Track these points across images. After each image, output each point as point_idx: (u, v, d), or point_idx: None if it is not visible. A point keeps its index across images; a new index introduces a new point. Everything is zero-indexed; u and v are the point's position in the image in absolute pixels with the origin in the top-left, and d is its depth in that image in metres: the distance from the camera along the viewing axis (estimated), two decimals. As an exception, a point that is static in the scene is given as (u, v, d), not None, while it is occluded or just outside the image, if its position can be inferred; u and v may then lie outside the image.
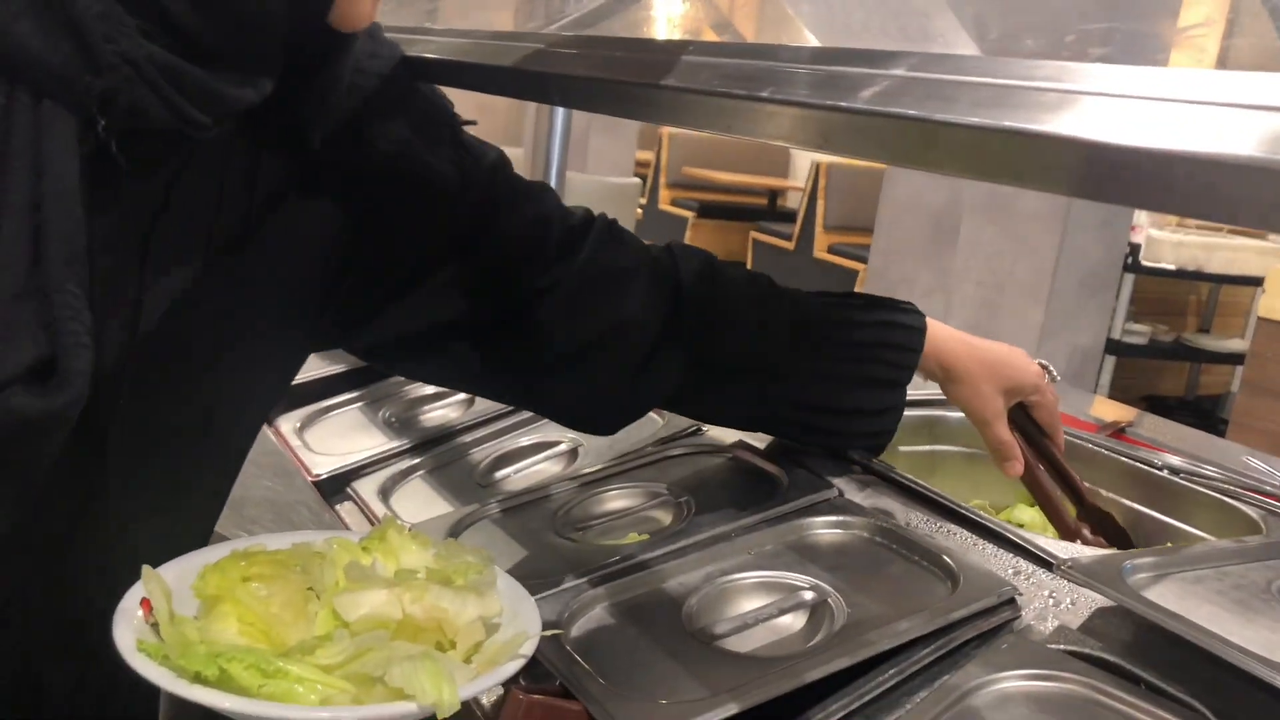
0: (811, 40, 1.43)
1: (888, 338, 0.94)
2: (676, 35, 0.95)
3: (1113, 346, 4.25)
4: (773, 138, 0.48)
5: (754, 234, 7.75)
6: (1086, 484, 1.07)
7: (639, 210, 5.61)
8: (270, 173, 0.71)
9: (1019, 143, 0.36)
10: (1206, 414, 4.79)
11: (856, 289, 6.77)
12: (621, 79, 0.56)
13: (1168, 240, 4.23)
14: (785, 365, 0.92)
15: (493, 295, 0.81)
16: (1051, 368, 1.11)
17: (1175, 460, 1.20)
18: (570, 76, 0.60)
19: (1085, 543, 0.99)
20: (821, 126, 0.45)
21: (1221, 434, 3.65)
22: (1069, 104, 0.36)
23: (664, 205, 8.83)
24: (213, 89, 0.61)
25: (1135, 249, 4.16)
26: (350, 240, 0.76)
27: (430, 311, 0.80)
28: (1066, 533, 1.01)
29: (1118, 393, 4.46)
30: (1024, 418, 1.03)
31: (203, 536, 0.81)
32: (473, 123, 0.79)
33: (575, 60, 0.61)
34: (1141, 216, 4.27)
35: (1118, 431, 1.43)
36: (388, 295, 0.79)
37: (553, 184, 2.05)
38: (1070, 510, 1.05)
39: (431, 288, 0.80)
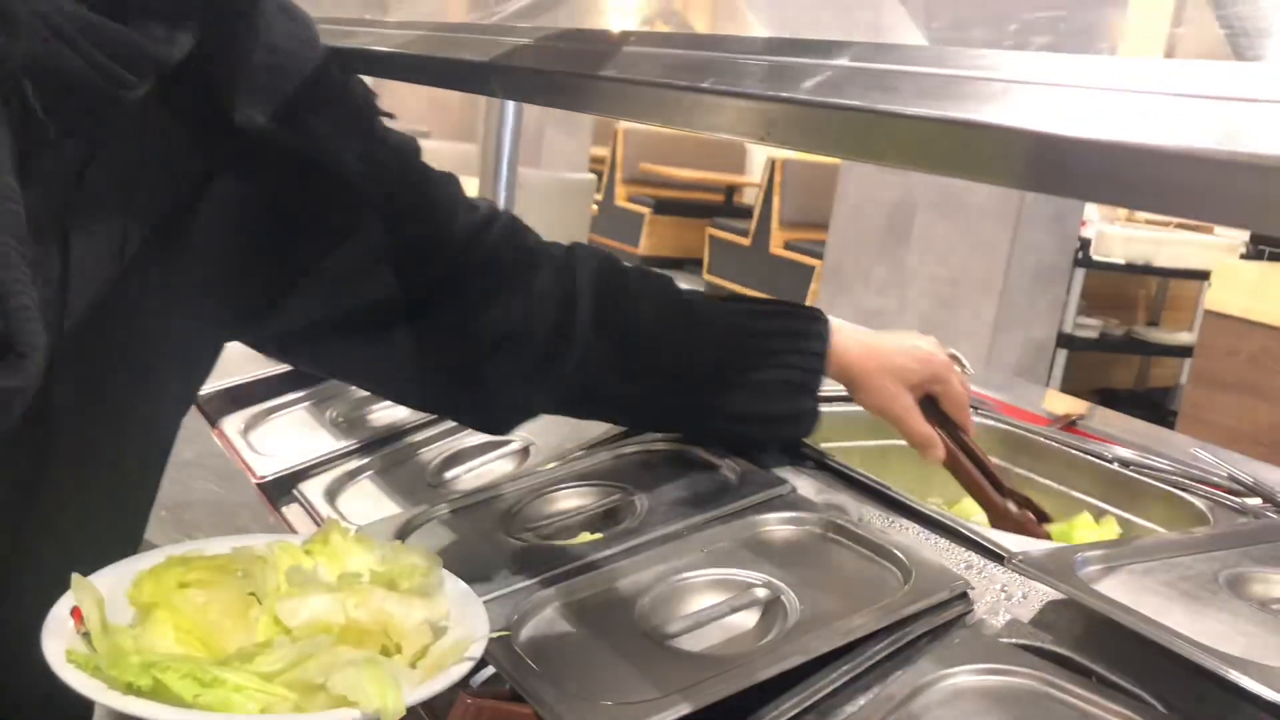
0: (760, 32, 1.42)
1: (791, 344, 0.95)
2: (624, 26, 0.95)
3: (1065, 340, 4.30)
4: (716, 129, 0.47)
5: (710, 230, 7.76)
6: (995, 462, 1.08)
7: (594, 207, 5.59)
8: (187, 154, 0.69)
9: (962, 133, 0.36)
10: (1157, 405, 4.86)
11: (812, 284, 6.81)
12: (561, 70, 0.55)
13: (1117, 235, 4.29)
14: (687, 369, 0.92)
15: (397, 284, 0.80)
16: (961, 357, 1.12)
17: (1126, 453, 1.21)
18: (510, 68, 0.59)
19: (1014, 519, 1.00)
20: (764, 118, 0.44)
21: (1171, 425, 3.70)
22: (1012, 94, 0.35)
23: (620, 201, 8.82)
24: (135, 45, 0.60)
25: (1086, 244, 4.21)
26: (261, 226, 0.75)
27: (332, 300, 0.80)
28: (995, 511, 1.02)
29: (1070, 385, 4.52)
30: (933, 408, 1.03)
31: (133, 538, 0.79)
32: (390, 115, 0.78)
33: (515, 51, 0.59)
34: (1091, 212, 4.33)
35: (1069, 424, 1.44)
36: (292, 284, 0.78)
37: (503, 181, 2.02)
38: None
39: (335, 276, 0.79)
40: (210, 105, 0.68)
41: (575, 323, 0.86)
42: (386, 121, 0.79)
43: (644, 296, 0.91)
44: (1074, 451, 1.12)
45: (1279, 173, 0.28)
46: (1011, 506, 1.02)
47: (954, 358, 1.08)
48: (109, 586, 0.65)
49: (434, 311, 0.82)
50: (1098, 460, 1.10)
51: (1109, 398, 4.89)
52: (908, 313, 3.93)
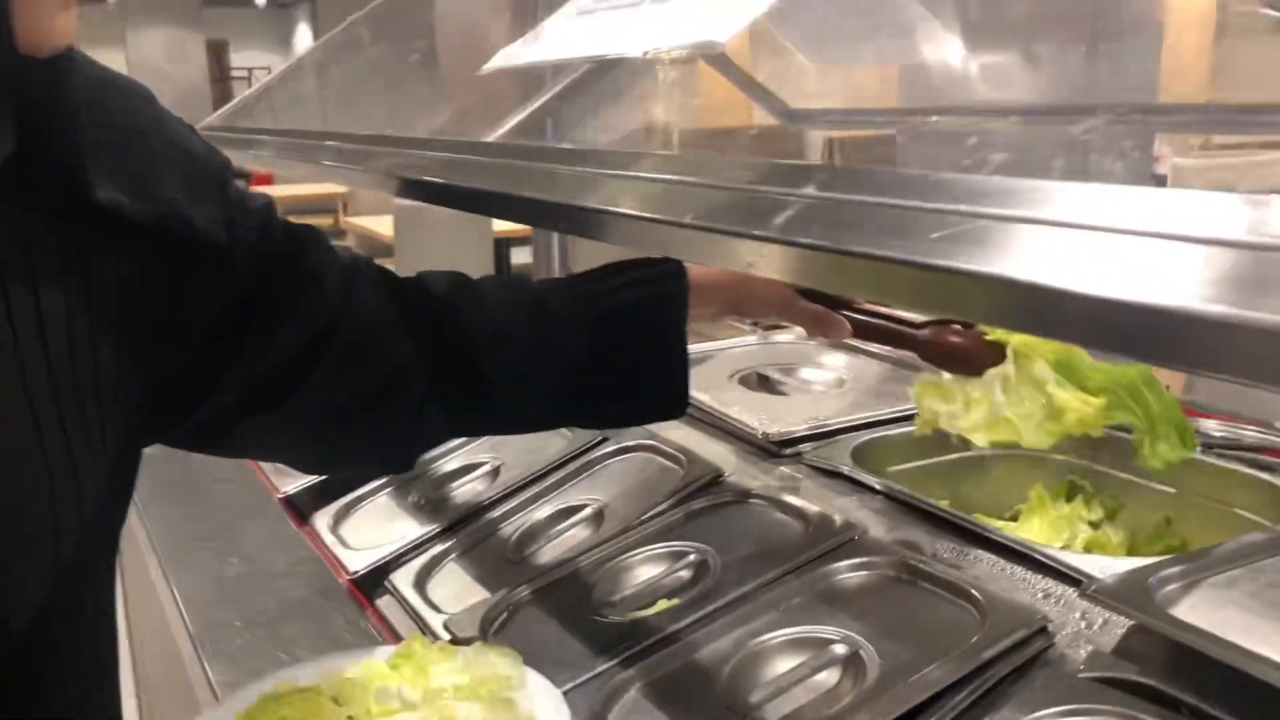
0: (803, 62, 1.42)
1: (647, 295, 0.89)
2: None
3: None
4: (699, 260, 0.48)
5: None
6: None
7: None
8: (47, 247, 0.66)
9: (933, 279, 0.36)
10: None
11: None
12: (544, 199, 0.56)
13: (1194, 166, 4.13)
14: (555, 353, 0.88)
15: (282, 349, 0.78)
16: None
17: (1212, 428, 1.18)
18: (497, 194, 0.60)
19: (942, 344, 1.00)
20: (744, 254, 0.45)
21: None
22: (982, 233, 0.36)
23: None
24: None
25: (1162, 180, 4.08)
26: (144, 311, 0.71)
27: (231, 374, 0.77)
28: (923, 346, 1.00)
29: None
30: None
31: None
32: (247, 175, 0.77)
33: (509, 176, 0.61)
34: (1164, 146, 4.18)
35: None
36: (192, 367, 0.75)
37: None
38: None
39: (227, 352, 0.76)
40: (62, 186, 0.65)
41: (443, 348, 0.84)
42: (240, 184, 0.78)
43: (500, 301, 0.88)
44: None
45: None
46: (928, 333, 0.99)
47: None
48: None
49: (316, 371, 0.80)
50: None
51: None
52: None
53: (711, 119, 1.81)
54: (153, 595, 1.16)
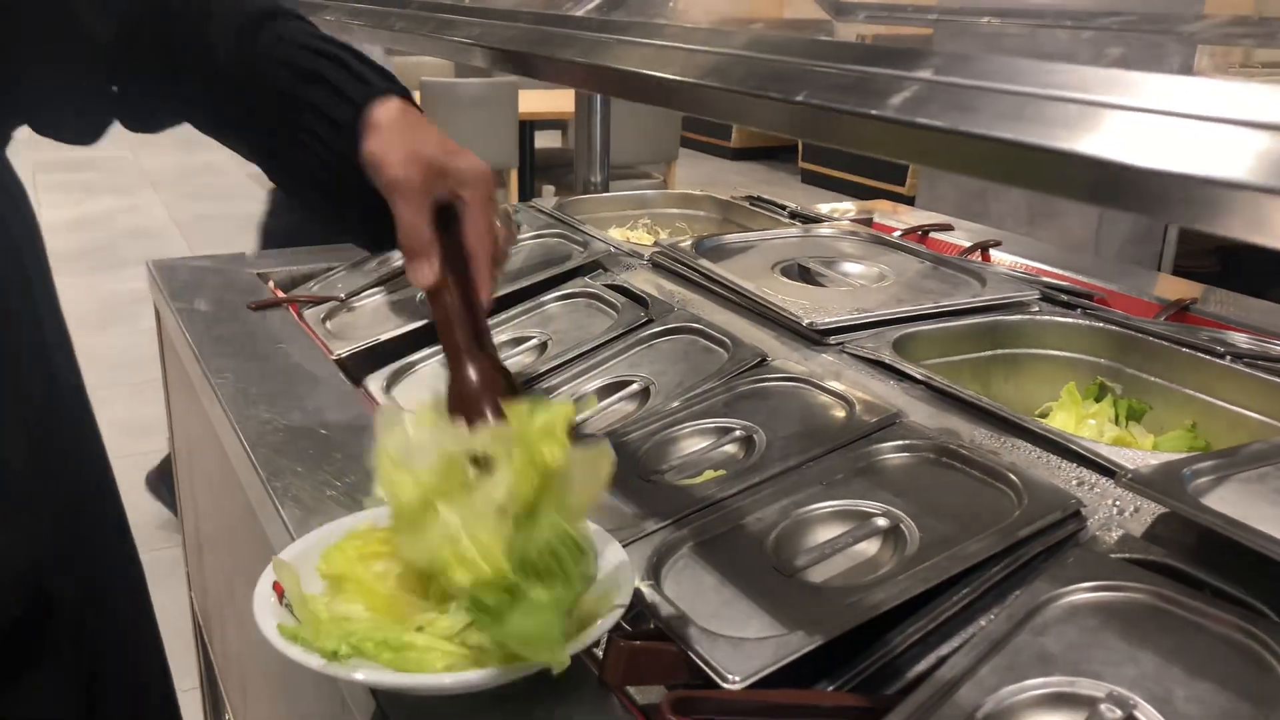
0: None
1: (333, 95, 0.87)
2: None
3: (1182, 200, 4.13)
4: (804, 137, 0.51)
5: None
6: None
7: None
8: None
9: (1039, 158, 0.39)
10: (1282, 258, 4.67)
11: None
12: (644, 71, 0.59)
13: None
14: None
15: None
16: (515, 214, 1.00)
17: (1241, 340, 1.22)
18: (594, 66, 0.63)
19: (471, 393, 0.86)
20: (851, 130, 0.48)
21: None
22: (1089, 119, 0.38)
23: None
24: None
25: (1200, 97, 4.02)
26: None
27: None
28: (455, 376, 0.88)
29: (1187, 246, 4.38)
30: (450, 227, 0.87)
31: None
32: None
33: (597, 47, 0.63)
34: (1203, 59, 4.11)
35: (1181, 311, 1.44)
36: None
37: (598, 95, 2.03)
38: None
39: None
40: None
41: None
42: None
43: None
44: (1184, 350, 1.13)
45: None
46: (473, 374, 0.86)
47: (508, 213, 0.95)
48: (297, 559, 0.74)
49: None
50: (1210, 358, 1.10)
51: (1229, 256, 4.72)
52: (1014, 189, 3.83)
53: (755, 10, 1.81)
54: (214, 445, 1.21)
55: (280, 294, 1.53)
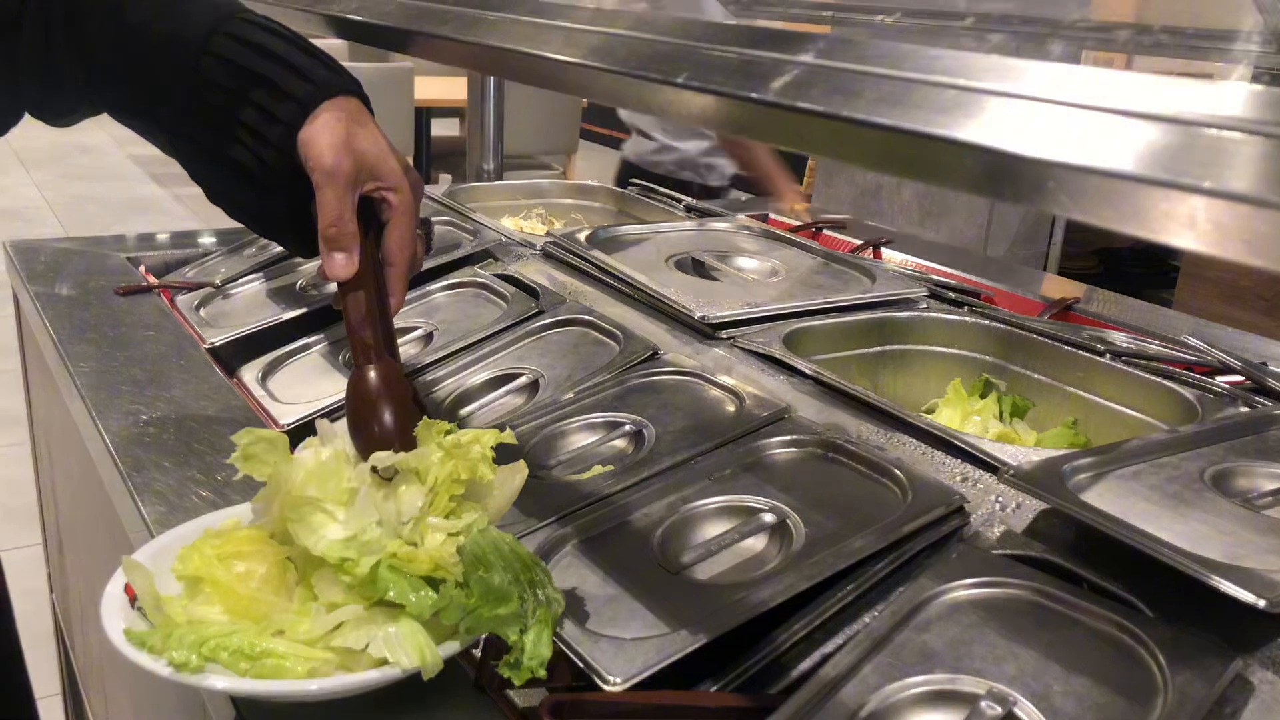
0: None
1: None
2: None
3: (1065, 203, 4.27)
4: (688, 122, 0.49)
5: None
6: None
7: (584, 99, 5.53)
8: None
9: (921, 144, 0.38)
10: (1159, 262, 4.87)
11: (809, 161, 6.72)
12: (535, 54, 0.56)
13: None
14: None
15: None
16: (432, 224, 1.00)
17: (1120, 339, 1.25)
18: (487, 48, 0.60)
19: (367, 383, 0.83)
20: (731, 115, 0.46)
21: (1173, 283, 3.71)
22: (970, 105, 0.37)
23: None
24: None
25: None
26: None
27: None
28: (363, 359, 0.84)
29: (1072, 247, 4.52)
30: (371, 229, 0.86)
31: None
32: None
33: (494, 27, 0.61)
34: (1087, 62, 4.24)
35: (1065, 310, 1.47)
36: None
37: (491, 80, 1.98)
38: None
39: None
40: None
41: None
42: None
43: None
44: (1066, 347, 1.15)
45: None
46: (375, 376, 0.83)
47: (427, 222, 0.94)
48: (151, 559, 0.70)
49: None
50: (1090, 355, 1.12)
51: (1111, 258, 4.90)
52: (906, 187, 3.91)
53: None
54: (74, 438, 1.14)
55: (151, 279, 1.46)
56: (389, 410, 0.81)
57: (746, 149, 2.44)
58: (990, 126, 0.36)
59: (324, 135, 0.82)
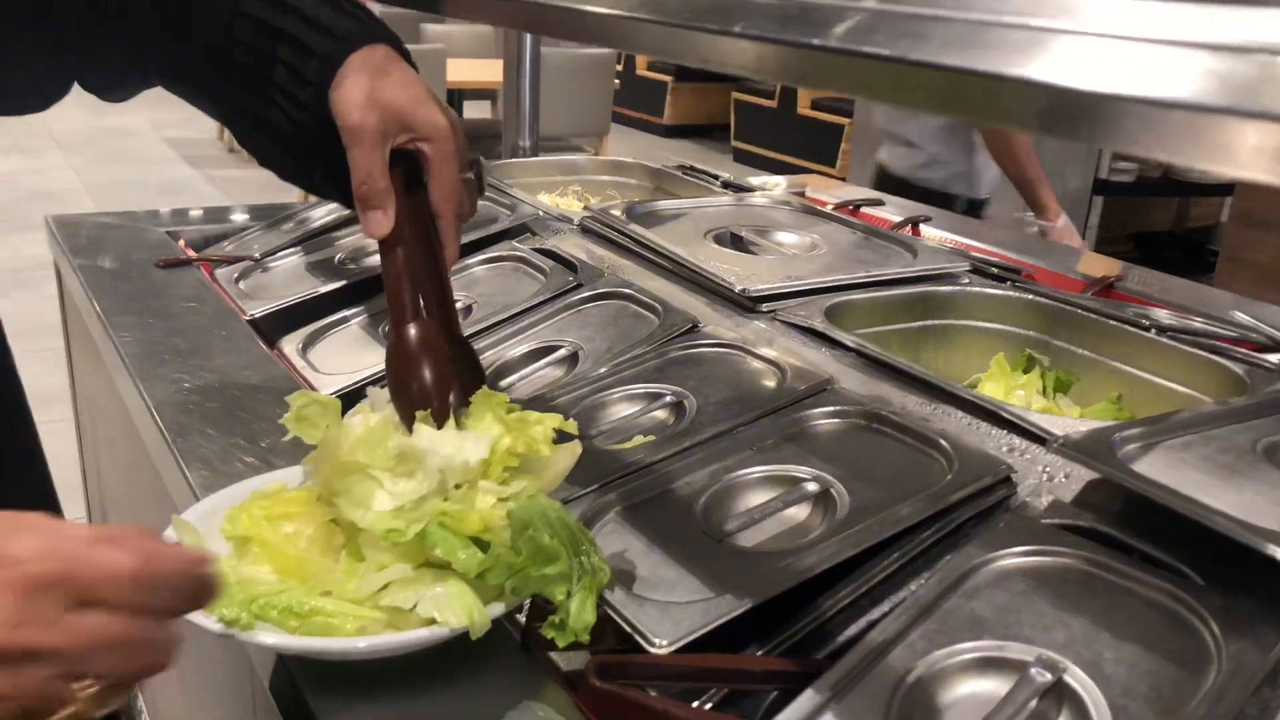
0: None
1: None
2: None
3: (1100, 186, 4.23)
4: (745, 73, 0.49)
5: (735, 95, 7.61)
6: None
7: (616, 80, 5.51)
8: None
9: (994, 87, 0.37)
10: (1197, 246, 4.80)
11: (842, 144, 6.68)
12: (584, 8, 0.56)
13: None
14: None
15: None
16: (485, 164, 0.97)
17: (1163, 316, 1.23)
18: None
19: (410, 351, 0.81)
20: (792, 63, 0.45)
21: (1211, 267, 3.67)
22: (1040, 44, 0.36)
23: (641, 71, 8.63)
24: None
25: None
26: None
27: None
28: (400, 319, 0.82)
29: (1108, 232, 4.47)
30: (414, 181, 0.83)
31: None
32: None
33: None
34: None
35: (1106, 288, 1.45)
36: None
37: (526, 61, 1.98)
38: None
39: None
40: None
41: None
42: None
43: None
44: (1110, 322, 1.13)
45: None
46: (414, 334, 0.81)
47: (476, 161, 0.89)
48: (200, 524, 0.70)
49: None
50: (1136, 330, 1.11)
51: (1148, 242, 4.83)
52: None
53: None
54: (119, 407, 1.16)
55: (191, 253, 1.47)
56: (428, 368, 0.80)
57: (1005, 139, 2.32)
58: (1065, 65, 0.35)
59: (350, 93, 0.80)
